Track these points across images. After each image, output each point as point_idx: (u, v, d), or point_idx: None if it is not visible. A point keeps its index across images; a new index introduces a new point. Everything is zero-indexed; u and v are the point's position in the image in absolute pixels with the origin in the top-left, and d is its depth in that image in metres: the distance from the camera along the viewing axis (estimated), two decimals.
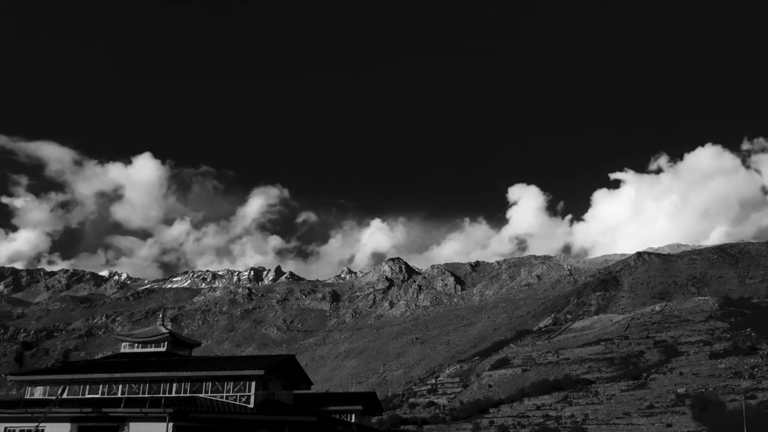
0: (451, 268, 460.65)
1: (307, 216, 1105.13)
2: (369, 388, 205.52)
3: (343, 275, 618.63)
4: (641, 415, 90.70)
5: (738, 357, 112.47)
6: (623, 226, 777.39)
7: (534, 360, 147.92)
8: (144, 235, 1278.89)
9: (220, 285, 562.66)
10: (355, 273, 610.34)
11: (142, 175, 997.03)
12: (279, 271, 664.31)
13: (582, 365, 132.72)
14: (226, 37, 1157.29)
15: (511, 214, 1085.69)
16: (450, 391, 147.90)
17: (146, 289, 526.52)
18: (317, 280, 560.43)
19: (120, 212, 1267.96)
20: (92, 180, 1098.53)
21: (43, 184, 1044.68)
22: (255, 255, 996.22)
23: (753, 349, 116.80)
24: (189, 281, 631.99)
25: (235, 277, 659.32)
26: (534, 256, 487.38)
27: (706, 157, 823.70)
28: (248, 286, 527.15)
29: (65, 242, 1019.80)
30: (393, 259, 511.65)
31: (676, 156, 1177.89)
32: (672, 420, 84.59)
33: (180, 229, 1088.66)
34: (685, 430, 79.12)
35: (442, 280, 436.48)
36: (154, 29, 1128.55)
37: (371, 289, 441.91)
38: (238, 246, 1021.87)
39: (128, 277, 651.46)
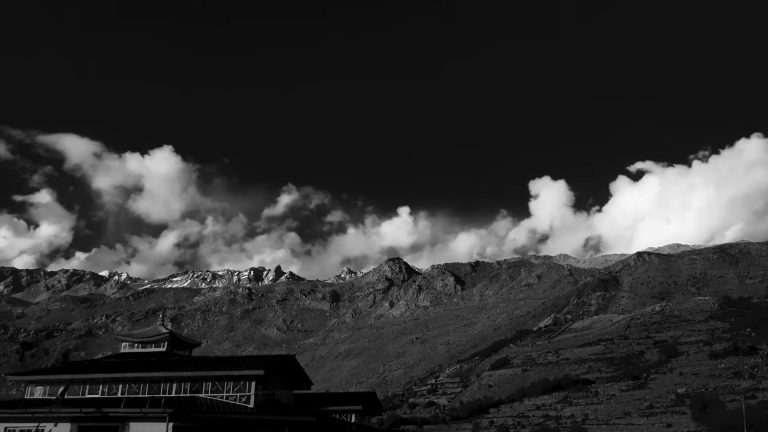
0: (451, 268, 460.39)
1: (333, 215, 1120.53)
2: (369, 388, 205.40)
3: (343, 275, 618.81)
4: (641, 415, 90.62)
5: (738, 357, 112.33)
6: (646, 220, 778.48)
7: (534, 360, 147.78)
8: (163, 229, 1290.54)
9: (220, 285, 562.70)
10: (355, 273, 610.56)
11: (162, 168, 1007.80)
12: (279, 271, 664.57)
13: (582, 365, 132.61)
14: (249, 42, 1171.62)
15: (534, 209, 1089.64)
16: (450, 391, 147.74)
17: (146, 289, 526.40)
18: (317, 280, 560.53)
19: (139, 206, 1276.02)
20: (112, 173, 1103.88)
21: (63, 177, 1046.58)
22: (275, 251, 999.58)
23: (753, 349, 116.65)
24: (189, 281, 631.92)
25: (235, 277, 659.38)
26: (534, 255, 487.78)
27: (753, 149, 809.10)
28: (248, 286, 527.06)
29: (85, 236, 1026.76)
30: (393, 259, 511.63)
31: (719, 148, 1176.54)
32: (672, 420, 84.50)
33: (200, 225, 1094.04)
34: (685, 430, 79.01)
35: (442, 280, 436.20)
36: (192, 34, 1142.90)
37: (371, 289, 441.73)
38: (255, 244, 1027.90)
39: (128, 277, 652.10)
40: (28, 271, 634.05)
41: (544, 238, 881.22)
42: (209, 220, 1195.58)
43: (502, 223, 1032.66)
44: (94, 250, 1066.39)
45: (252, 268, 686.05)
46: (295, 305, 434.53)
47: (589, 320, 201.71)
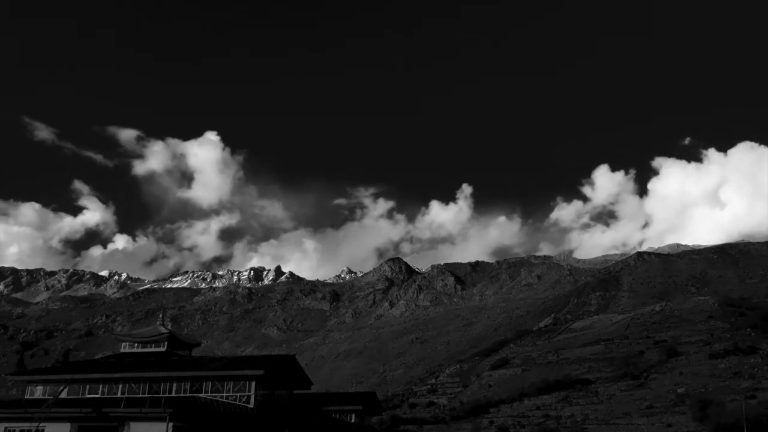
0: (451, 268, 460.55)
1: (385, 203, 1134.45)
2: (369, 388, 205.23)
3: (342, 275, 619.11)
4: (641, 415, 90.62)
5: (738, 357, 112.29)
6: (701, 209, 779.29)
7: (534, 360, 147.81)
8: (209, 215, 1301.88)
9: (220, 285, 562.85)
10: (355, 273, 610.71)
11: (209, 156, 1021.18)
12: (279, 271, 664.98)
13: (582, 365, 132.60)
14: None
15: (591, 197, 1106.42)
16: (450, 391, 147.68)
17: (146, 289, 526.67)
18: (317, 280, 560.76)
19: (186, 194, 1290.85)
20: (157, 159, 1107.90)
21: (107, 164, 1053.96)
22: (314, 242, 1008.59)
23: (753, 349, 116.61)
24: (189, 281, 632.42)
25: (235, 277, 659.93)
26: (534, 255, 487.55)
27: None
28: (248, 286, 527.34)
29: (130, 223, 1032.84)
30: (393, 259, 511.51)
31: None
32: (672, 420, 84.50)
33: (242, 216, 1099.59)
34: (685, 430, 79.02)
35: (442, 280, 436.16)
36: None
37: (371, 289, 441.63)
38: (295, 235, 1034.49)
39: (128, 277, 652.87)
40: (28, 271, 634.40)
41: (602, 221, 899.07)
42: (251, 211, 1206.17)
43: (557, 212, 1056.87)
44: (138, 237, 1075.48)
45: (252, 268, 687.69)
46: (295, 305, 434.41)
47: (589, 320, 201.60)
